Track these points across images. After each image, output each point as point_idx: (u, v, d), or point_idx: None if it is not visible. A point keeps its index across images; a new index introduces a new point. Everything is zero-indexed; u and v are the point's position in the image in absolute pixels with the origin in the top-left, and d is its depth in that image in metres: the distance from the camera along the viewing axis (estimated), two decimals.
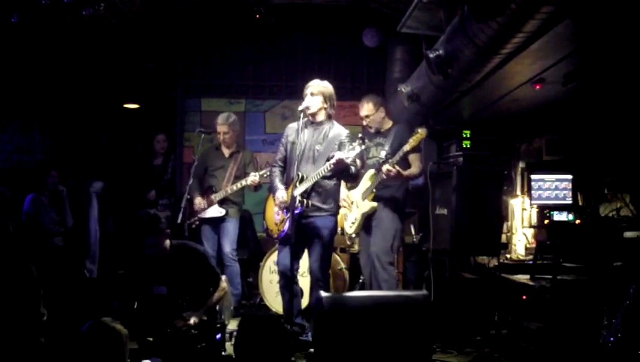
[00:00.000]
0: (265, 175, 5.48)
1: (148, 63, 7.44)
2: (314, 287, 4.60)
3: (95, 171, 6.89)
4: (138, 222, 4.21)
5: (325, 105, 4.66)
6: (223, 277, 4.41)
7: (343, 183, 5.25)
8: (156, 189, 6.69)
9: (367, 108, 5.23)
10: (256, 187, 5.59)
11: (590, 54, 3.90)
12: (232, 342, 4.09)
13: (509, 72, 4.23)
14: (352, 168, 4.54)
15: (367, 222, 5.15)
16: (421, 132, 4.81)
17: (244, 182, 5.57)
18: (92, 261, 6.44)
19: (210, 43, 7.57)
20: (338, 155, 4.32)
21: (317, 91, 4.62)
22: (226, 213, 5.70)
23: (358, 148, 4.34)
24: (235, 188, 5.63)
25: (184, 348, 3.92)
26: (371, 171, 5.07)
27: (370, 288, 5.11)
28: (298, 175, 4.53)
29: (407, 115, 5.76)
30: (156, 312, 4.10)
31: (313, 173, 4.51)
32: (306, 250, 4.82)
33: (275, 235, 4.80)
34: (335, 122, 4.75)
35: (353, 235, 5.54)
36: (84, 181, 6.76)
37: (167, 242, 4.22)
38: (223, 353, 4.18)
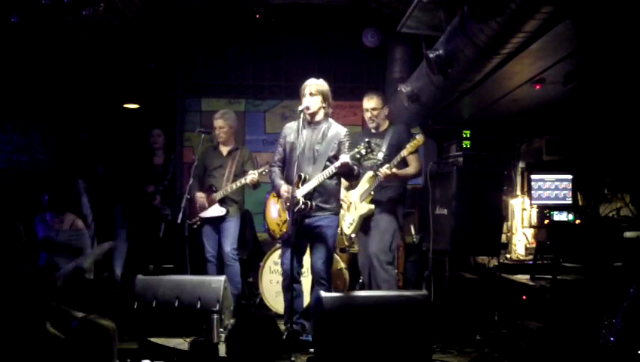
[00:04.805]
0: (264, 172, 5.47)
1: (148, 63, 7.44)
2: (316, 286, 4.60)
3: (77, 171, 6.85)
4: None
5: (324, 105, 4.67)
6: None
7: (342, 183, 5.26)
8: (157, 189, 6.67)
9: (375, 101, 5.23)
10: (256, 185, 5.59)
11: (590, 54, 3.89)
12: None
13: (509, 72, 4.22)
14: (355, 169, 4.55)
15: (365, 223, 5.16)
16: (419, 139, 4.85)
17: (243, 181, 5.56)
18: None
19: (210, 43, 7.56)
20: (343, 159, 4.35)
21: (316, 91, 4.63)
22: (227, 213, 5.70)
23: (363, 150, 4.41)
24: (234, 186, 5.62)
25: None
26: (369, 173, 5.07)
27: (370, 288, 5.11)
28: (300, 176, 4.53)
29: (407, 114, 5.76)
30: None
31: (318, 174, 4.51)
32: (307, 250, 4.84)
33: (278, 236, 4.79)
34: (332, 120, 4.75)
35: (352, 236, 5.54)
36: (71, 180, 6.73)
37: None
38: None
